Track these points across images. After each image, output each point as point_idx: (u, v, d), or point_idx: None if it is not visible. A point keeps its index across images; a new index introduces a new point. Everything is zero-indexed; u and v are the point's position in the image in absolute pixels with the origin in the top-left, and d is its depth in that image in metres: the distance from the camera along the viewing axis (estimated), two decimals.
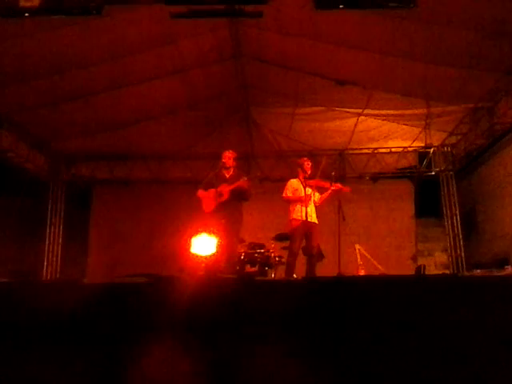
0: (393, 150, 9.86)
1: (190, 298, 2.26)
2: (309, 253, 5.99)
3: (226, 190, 5.79)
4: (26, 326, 2.12)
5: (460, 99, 7.68)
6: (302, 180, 6.18)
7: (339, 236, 6.19)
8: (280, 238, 7.36)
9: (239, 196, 5.89)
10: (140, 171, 10.14)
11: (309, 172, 6.22)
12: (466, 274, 8.61)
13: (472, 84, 6.97)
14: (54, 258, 9.95)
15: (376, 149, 9.85)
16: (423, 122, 8.45)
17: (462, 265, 9.38)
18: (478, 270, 7.69)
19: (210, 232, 6.02)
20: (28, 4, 4.75)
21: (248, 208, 6.41)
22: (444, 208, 9.78)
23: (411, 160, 10.00)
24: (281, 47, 7.11)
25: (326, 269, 6.59)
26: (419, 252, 10.00)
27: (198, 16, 5.27)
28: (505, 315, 2.09)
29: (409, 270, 8.84)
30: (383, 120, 8.71)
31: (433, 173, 9.92)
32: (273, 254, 7.47)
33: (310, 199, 6.06)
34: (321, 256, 6.75)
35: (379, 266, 8.40)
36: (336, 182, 6.47)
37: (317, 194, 6.21)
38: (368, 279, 3.72)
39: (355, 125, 8.80)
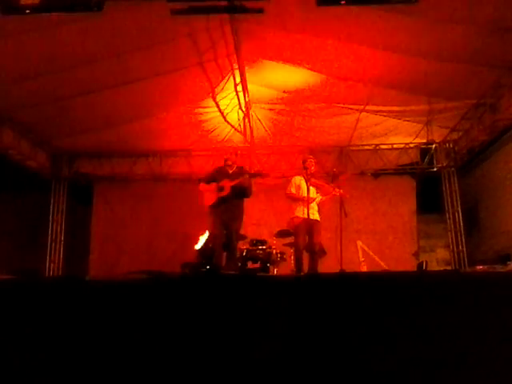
0: (394, 146, 9.85)
1: (191, 295, 2.27)
2: (311, 249, 6.01)
3: (227, 185, 5.81)
4: (29, 324, 2.13)
5: (462, 95, 7.65)
6: (306, 177, 6.19)
7: (341, 232, 6.19)
8: (282, 234, 7.37)
9: (240, 193, 5.90)
10: (141, 168, 10.15)
11: (312, 169, 6.24)
12: (468, 270, 8.60)
13: (474, 80, 6.94)
14: (57, 255, 9.97)
15: (378, 145, 9.83)
16: (425, 118, 8.44)
17: (464, 261, 9.37)
18: (480, 267, 7.69)
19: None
20: (29, 1, 4.75)
21: (249, 204, 6.42)
22: (446, 204, 9.77)
23: (413, 156, 9.98)
24: (282, 43, 7.09)
25: (328, 265, 6.60)
26: (421, 248, 10.01)
27: (199, 12, 5.26)
28: (507, 311, 2.09)
29: (410, 266, 8.85)
30: (385, 116, 8.68)
31: (435, 169, 9.90)
32: (275, 251, 7.48)
33: (312, 197, 6.07)
34: (323, 252, 6.76)
35: (381, 263, 8.41)
36: (337, 178, 6.50)
37: (318, 194, 6.23)
38: (370, 275, 3.73)
39: (357, 121, 8.77)
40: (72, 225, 10.26)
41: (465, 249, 9.48)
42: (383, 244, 9.39)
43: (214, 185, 5.93)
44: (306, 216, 5.98)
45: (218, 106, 8.76)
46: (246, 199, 6.05)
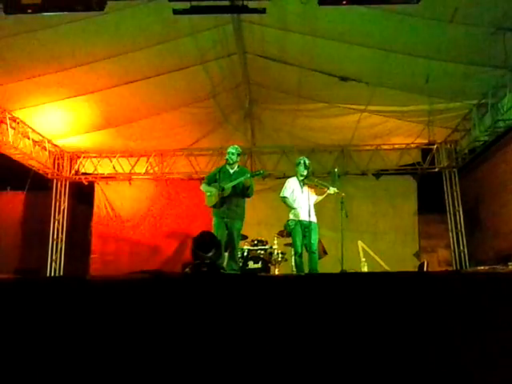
0: (396, 146, 9.85)
1: (192, 295, 2.27)
2: (310, 250, 6.00)
3: (228, 185, 5.82)
4: (30, 323, 2.13)
5: (463, 96, 7.66)
6: (300, 179, 6.19)
7: (342, 233, 6.19)
8: (283, 234, 7.37)
9: (242, 192, 5.90)
10: (143, 167, 10.16)
11: (307, 171, 6.21)
12: (469, 270, 8.60)
13: (475, 80, 6.94)
14: (58, 255, 9.99)
15: (379, 145, 9.83)
16: (426, 119, 8.43)
17: (465, 261, 9.37)
18: (481, 267, 7.68)
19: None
20: (31, 1, 4.76)
21: (251, 204, 6.42)
22: (447, 205, 9.77)
23: (414, 156, 9.98)
24: (284, 44, 7.09)
25: (329, 265, 6.59)
26: (422, 248, 9.99)
27: (201, 12, 5.26)
28: (508, 312, 2.09)
29: (411, 266, 8.84)
30: (386, 116, 8.69)
31: (436, 169, 9.90)
32: (276, 251, 7.48)
33: (306, 199, 6.05)
34: (324, 253, 6.75)
35: (382, 263, 8.40)
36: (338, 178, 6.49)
37: (314, 195, 6.19)
38: (371, 276, 3.72)
39: (358, 121, 8.78)
40: (73, 224, 10.27)
41: (466, 249, 9.48)
42: (384, 244, 9.39)
43: (215, 186, 5.94)
44: (300, 218, 6.00)
45: (218, 106, 8.77)
46: (247, 199, 6.05)
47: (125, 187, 10.29)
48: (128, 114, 8.67)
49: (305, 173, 6.19)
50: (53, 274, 9.65)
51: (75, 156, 10.23)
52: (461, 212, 9.61)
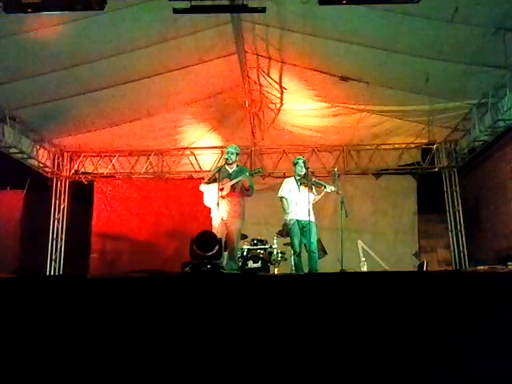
0: (396, 146, 9.83)
1: (192, 294, 2.27)
2: (309, 250, 6.00)
3: (228, 184, 5.82)
4: (30, 322, 2.13)
5: (463, 95, 7.65)
6: (298, 179, 6.19)
7: (342, 232, 6.19)
8: (283, 233, 7.36)
9: (241, 191, 5.91)
10: (143, 166, 10.15)
11: (304, 171, 6.21)
12: (469, 270, 8.60)
13: (475, 80, 6.93)
14: (58, 254, 9.98)
15: (379, 145, 9.82)
16: (426, 119, 8.42)
17: (465, 261, 9.37)
18: (481, 267, 7.68)
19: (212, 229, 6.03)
20: (31, 0, 4.76)
21: (251, 204, 6.42)
22: (447, 204, 9.76)
23: (414, 156, 9.97)
24: (284, 43, 7.09)
25: (328, 265, 6.60)
26: (422, 248, 9.99)
27: (201, 11, 5.26)
28: (507, 312, 2.09)
29: (411, 266, 8.85)
30: (386, 116, 8.69)
31: (436, 169, 9.89)
32: (275, 250, 7.48)
33: (304, 198, 6.05)
34: (323, 252, 6.75)
35: (382, 262, 8.41)
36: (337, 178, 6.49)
37: (311, 194, 6.19)
38: (370, 275, 3.73)
39: (358, 121, 8.78)
40: (73, 223, 10.26)
41: (465, 249, 9.47)
42: (384, 244, 9.39)
43: (214, 184, 5.94)
44: (298, 217, 6.01)
45: (218, 106, 8.76)
46: (247, 198, 6.06)
47: (124, 186, 10.29)
48: (128, 114, 8.66)
49: (302, 172, 6.20)
50: (52, 273, 9.64)
51: (75, 155, 10.21)
52: (460, 212, 9.60)
